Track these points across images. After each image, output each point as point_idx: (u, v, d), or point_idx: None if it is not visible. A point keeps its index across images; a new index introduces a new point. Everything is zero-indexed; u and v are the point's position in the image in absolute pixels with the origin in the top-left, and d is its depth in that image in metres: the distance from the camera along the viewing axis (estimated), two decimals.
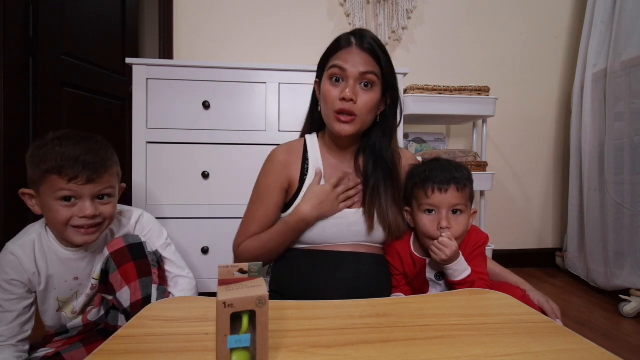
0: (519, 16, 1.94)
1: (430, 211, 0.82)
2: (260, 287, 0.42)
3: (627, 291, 1.39)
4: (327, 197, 0.85)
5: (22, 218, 1.90)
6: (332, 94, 0.84)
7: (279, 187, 0.91)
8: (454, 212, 0.81)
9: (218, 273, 0.44)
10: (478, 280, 0.80)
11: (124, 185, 0.89)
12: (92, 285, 0.85)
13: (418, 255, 0.87)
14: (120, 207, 0.90)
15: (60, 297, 0.84)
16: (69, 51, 2.11)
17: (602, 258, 1.55)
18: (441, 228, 0.79)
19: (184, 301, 0.67)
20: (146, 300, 0.79)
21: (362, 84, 0.84)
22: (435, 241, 0.78)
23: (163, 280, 0.86)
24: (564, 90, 1.99)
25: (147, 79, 1.29)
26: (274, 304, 0.60)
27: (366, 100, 0.84)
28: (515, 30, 1.95)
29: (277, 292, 0.90)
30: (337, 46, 0.86)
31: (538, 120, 1.99)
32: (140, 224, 0.92)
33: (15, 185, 1.99)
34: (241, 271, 0.46)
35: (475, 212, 0.86)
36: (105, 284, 0.82)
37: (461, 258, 0.80)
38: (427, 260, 0.85)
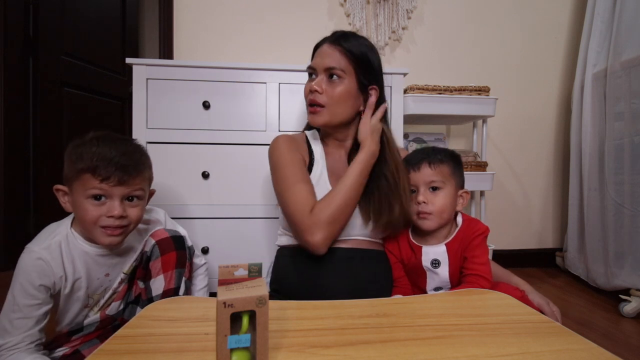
0: (518, 16, 1.94)
1: (413, 191, 0.89)
2: (260, 287, 0.42)
3: (627, 291, 1.39)
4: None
5: (22, 217, 1.90)
6: (305, 88, 0.92)
7: (302, 159, 0.92)
8: (433, 189, 0.86)
9: (218, 273, 0.44)
10: (476, 275, 0.80)
11: (154, 190, 0.90)
12: (121, 279, 0.86)
13: (415, 242, 0.89)
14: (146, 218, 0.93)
15: (91, 293, 0.84)
16: (69, 51, 2.11)
17: (602, 258, 1.55)
18: (418, 203, 0.86)
19: (184, 301, 0.67)
20: (176, 291, 0.83)
21: (329, 77, 0.89)
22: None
23: (190, 275, 0.90)
24: (564, 90, 1.99)
25: (147, 79, 1.29)
26: (274, 304, 0.60)
27: (333, 91, 0.88)
28: (515, 30, 1.95)
29: (278, 292, 0.90)
30: (315, 47, 0.94)
31: (538, 120, 1.99)
32: (168, 220, 0.98)
33: (16, 185, 2.00)
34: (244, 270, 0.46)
35: (466, 193, 0.90)
36: (145, 269, 0.84)
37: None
38: (423, 248, 0.87)
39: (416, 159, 0.88)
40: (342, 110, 0.90)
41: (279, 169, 0.89)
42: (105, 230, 0.75)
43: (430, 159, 0.87)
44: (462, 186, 0.90)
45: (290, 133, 1.05)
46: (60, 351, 0.79)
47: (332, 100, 0.88)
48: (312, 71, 0.92)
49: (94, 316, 0.85)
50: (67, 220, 0.82)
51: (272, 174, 0.92)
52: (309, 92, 0.90)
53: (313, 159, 0.94)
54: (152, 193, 0.89)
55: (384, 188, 0.87)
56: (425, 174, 0.86)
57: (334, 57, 0.88)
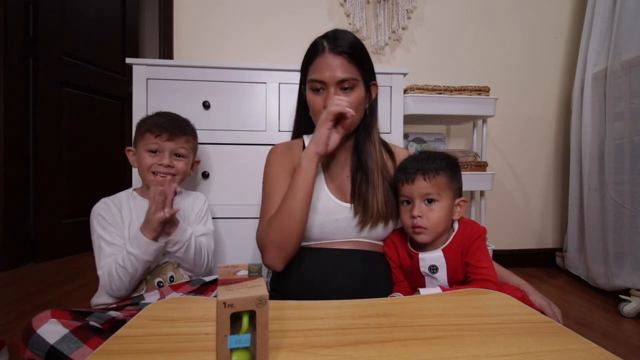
0: (518, 16, 1.94)
1: (408, 202, 0.85)
2: (260, 287, 0.42)
3: (627, 291, 1.39)
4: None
5: (22, 217, 1.90)
6: (317, 103, 0.87)
7: (288, 173, 0.91)
8: (429, 201, 0.82)
9: (218, 273, 0.44)
10: (482, 281, 0.80)
11: (199, 159, 1.14)
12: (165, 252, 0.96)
13: (411, 248, 0.88)
14: (191, 192, 1.14)
15: None
16: (69, 51, 2.11)
17: (602, 258, 1.55)
18: (412, 217, 0.82)
19: (184, 301, 0.67)
20: None
21: (343, 89, 0.86)
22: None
23: None
24: (564, 90, 1.99)
25: (147, 79, 1.29)
26: (274, 304, 0.60)
27: (350, 102, 0.85)
28: (515, 30, 1.95)
29: (278, 291, 0.90)
30: (313, 53, 0.89)
31: (538, 120, 1.99)
32: (205, 207, 1.10)
33: (15, 185, 1.99)
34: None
35: (464, 201, 0.86)
36: (197, 292, 0.92)
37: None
38: (420, 254, 0.86)
39: (410, 170, 0.84)
40: (358, 116, 0.89)
41: (264, 182, 0.95)
42: (156, 176, 0.98)
43: (424, 170, 0.82)
44: (459, 194, 0.87)
45: (289, 138, 1.05)
46: (114, 313, 0.80)
47: (351, 109, 0.85)
48: (322, 86, 0.86)
49: (154, 296, 0.89)
50: (129, 190, 1.05)
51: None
52: (325, 106, 0.84)
53: None
54: (197, 161, 1.12)
55: (372, 190, 0.88)
56: (420, 186, 0.82)
57: (343, 68, 0.85)
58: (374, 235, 0.91)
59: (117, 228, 0.94)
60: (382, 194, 0.89)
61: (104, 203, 0.98)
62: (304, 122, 1.00)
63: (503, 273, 0.95)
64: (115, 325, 0.78)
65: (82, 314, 0.75)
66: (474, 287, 0.79)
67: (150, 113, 1.29)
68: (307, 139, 0.99)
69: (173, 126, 1.00)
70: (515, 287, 0.86)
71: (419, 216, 0.81)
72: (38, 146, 1.96)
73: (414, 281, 0.89)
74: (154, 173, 0.98)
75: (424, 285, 0.87)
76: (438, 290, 0.80)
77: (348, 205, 0.90)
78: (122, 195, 1.02)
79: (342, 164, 0.95)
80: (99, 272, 0.90)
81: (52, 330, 0.68)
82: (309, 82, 0.89)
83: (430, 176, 0.82)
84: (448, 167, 0.84)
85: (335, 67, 0.84)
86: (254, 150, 1.32)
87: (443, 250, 0.84)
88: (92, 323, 0.73)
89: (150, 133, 0.98)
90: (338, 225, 0.88)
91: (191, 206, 1.07)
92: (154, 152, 0.98)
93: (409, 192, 0.84)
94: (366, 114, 0.92)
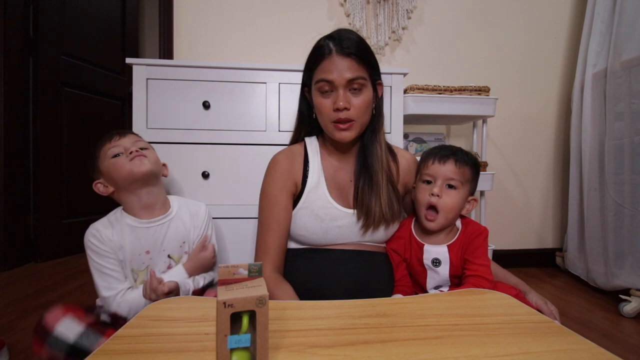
0: (519, 16, 1.94)
1: (429, 182, 0.88)
2: (260, 287, 0.42)
3: (627, 291, 1.39)
4: None
5: (22, 218, 1.90)
6: (326, 105, 0.86)
7: (286, 191, 0.91)
8: (450, 186, 0.85)
9: (218, 273, 0.44)
10: (477, 277, 0.81)
11: (165, 164, 1.05)
12: (169, 265, 0.94)
13: (417, 238, 0.89)
14: (192, 201, 1.08)
15: (135, 268, 0.92)
16: (69, 51, 2.11)
17: (602, 258, 1.55)
18: (431, 195, 0.85)
19: (184, 301, 0.67)
20: None
21: (352, 89, 0.85)
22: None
23: None
24: (564, 90, 1.99)
25: (147, 79, 1.28)
26: (274, 304, 0.60)
27: (359, 103, 0.85)
28: (515, 30, 1.95)
29: None
30: (319, 55, 0.86)
31: (538, 120, 1.99)
32: (208, 215, 1.06)
33: (16, 185, 1.99)
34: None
35: (475, 200, 0.90)
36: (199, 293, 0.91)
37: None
38: (425, 246, 0.87)
39: (444, 153, 0.88)
40: (367, 118, 0.89)
41: (262, 196, 0.93)
42: (133, 161, 0.91)
43: (458, 157, 0.87)
44: (473, 193, 0.90)
45: (289, 137, 1.05)
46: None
47: (360, 112, 0.85)
48: (330, 87, 0.85)
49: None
50: (119, 208, 0.98)
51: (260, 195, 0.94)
52: (335, 109, 0.84)
53: (308, 170, 0.93)
54: (164, 164, 1.05)
55: (376, 194, 0.88)
56: (449, 169, 0.85)
57: (351, 69, 0.83)
58: (376, 238, 0.91)
59: (111, 252, 0.90)
60: (386, 196, 0.89)
61: (94, 230, 0.92)
62: (306, 126, 0.98)
63: (501, 273, 0.95)
64: (116, 319, 0.80)
65: (91, 309, 0.77)
66: (468, 283, 0.81)
67: (150, 113, 1.32)
68: (308, 141, 0.98)
69: (118, 131, 0.97)
70: (510, 285, 0.86)
71: (437, 195, 0.84)
72: (38, 146, 1.96)
73: (416, 274, 0.90)
74: (131, 160, 0.91)
75: (425, 279, 0.88)
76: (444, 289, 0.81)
77: (350, 211, 0.89)
78: (111, 217, 0.95)
79: (346, 168, 0.95)
80: (105, 294, 0.87)
81: (69, 327, 0.69)
82: (317, 83, 0.86)
83: (461, 163, 0.86)
84: (474, 165, 0.89)
85: (343, 68, 0.83)
86: (253, 150, 1.32)
87: (448, 246, 0.86)
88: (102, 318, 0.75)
89: (108, 143, 0.93)
90: (341, 231, 0.88)
91: (191, 225, 1.00)
92: (116, 156, 0.91)
93: (435, 171, 0.86)
94: (373, 114, 0.91)
